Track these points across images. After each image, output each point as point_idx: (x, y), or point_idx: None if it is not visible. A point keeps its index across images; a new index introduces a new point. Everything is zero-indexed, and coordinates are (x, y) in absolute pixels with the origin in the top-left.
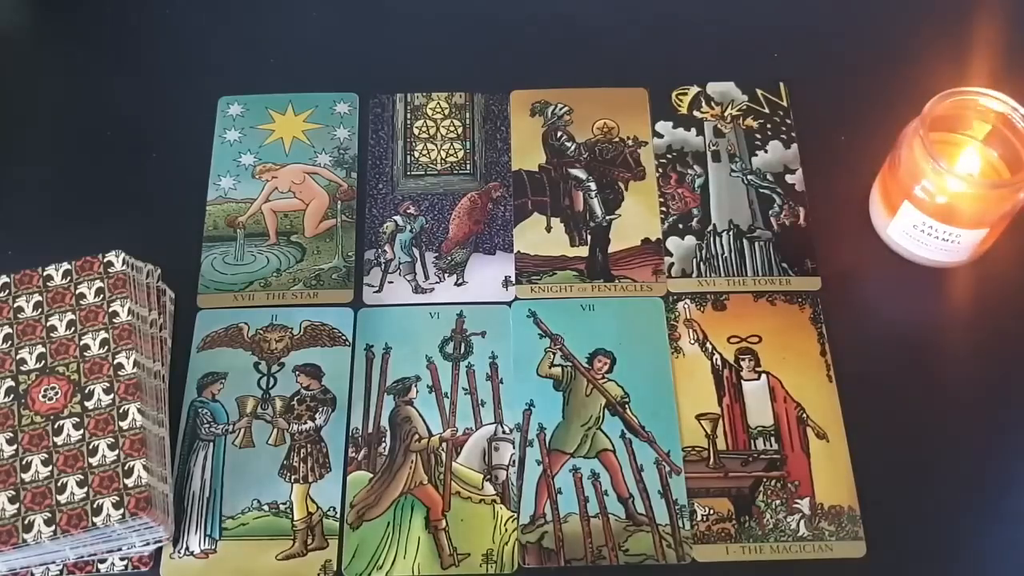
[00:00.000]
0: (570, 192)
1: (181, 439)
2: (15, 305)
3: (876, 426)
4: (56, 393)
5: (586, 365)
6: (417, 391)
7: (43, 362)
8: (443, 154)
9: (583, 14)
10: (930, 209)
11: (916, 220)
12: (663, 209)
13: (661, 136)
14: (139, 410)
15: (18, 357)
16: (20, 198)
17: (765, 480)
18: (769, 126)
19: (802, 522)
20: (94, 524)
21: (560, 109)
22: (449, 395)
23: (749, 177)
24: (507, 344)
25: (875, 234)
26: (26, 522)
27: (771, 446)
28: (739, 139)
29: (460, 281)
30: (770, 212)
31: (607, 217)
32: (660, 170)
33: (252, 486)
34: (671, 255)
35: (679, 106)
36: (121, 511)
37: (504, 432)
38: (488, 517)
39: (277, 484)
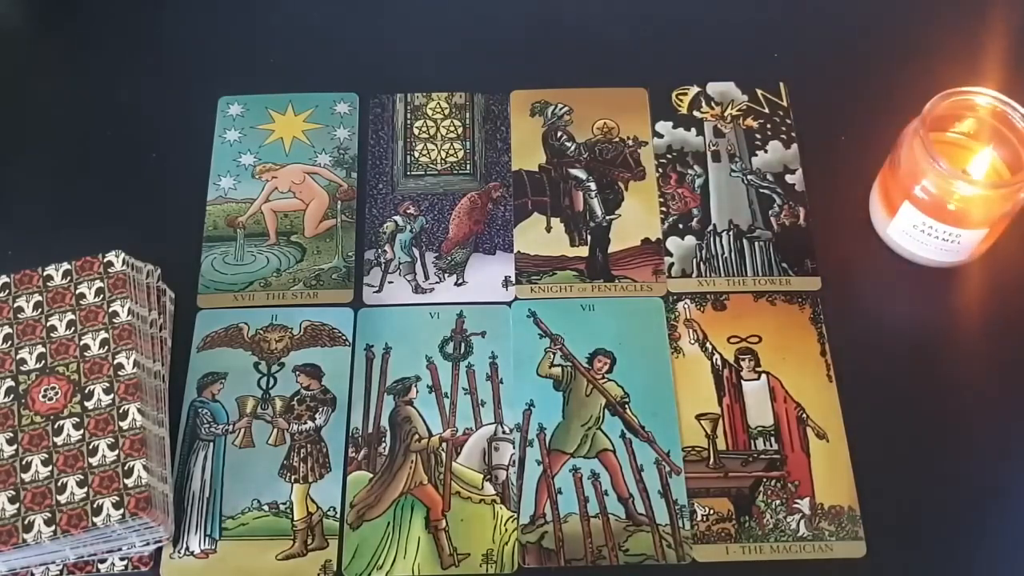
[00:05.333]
0: (570, 192)
1: (181, 439)
2: (15, 305)
3: (876, 426)
4: (56, 393)
5: (586, 365)
6: (417, 391)
7: (43, 362)
8: (443, 154)
9: (583, 14)
10: (930, 209)
11: (916, 220)
12: (663, 209)
13: (661, 136)
14: (139, 410)
15: (18, 357)
16: (20, 198)
17: (765, 480)
18: (769, 126)
19: (802, 522)
20: (94, 524)
21: (560, 109)
22: (449, 395)
23: (749, 177)
24: (507, 344)
25: (875, 234)
26: (26, 522)
27: (771, 446)
28: (739, 139)
29: (460, 281)
30: (770, 212)
31: (607, 217)
32: (660, 170)
33: (252, 486)
34: (671, 255)
35: (679, 106)
36: (121, 511)
37: (504, 432)
38: (488, 517)
39: (277, 484)
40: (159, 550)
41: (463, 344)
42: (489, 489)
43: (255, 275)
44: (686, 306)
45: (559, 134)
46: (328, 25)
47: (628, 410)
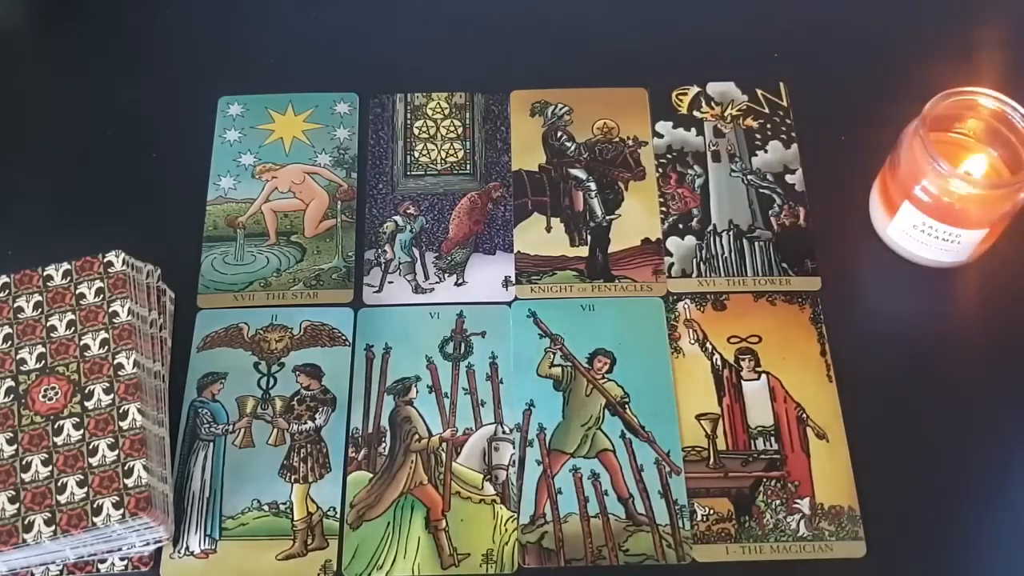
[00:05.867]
0: (570, 192)
1: (181, 439)
2: (15, 305)
3: (876, 426)
4: (56, 393)
5: (586, 365)
6: (417, 391)
7: (43, 362)
8: (443, 154)
9: (583, 14)
10: (930, 209)
11: (916, 220)
12: (663, 209)
13: (661, 136)
14: (139, 410)
15: (18, 357)
16: (20, 198)
17: (765, 480)
18: (769, 126)
19: (802, 522)
20: (94, 524)
21: (560, 109)
22: (449, 395)
23: (749, 177)
24: (507, 344)
25: (875, 234)
26: (26, 522)
27: (771, 446)
28: (739, 139)
29: (460, 281)
30: (770, 212)
31: (607, 217)
32: (660, 170)
33: (252, 486)
34: (671, 255)
35: (679, 106)
36: (121, 511)
37: (504, 432)
38: (488, 517)
39: (277, 484)
40: (159, 550)
41: (463, 344)
42: (489, 489)
43: (255, 275)
44: (686, 306)
45: (559, 134)
46: (328, 25)
47: (628, 410)
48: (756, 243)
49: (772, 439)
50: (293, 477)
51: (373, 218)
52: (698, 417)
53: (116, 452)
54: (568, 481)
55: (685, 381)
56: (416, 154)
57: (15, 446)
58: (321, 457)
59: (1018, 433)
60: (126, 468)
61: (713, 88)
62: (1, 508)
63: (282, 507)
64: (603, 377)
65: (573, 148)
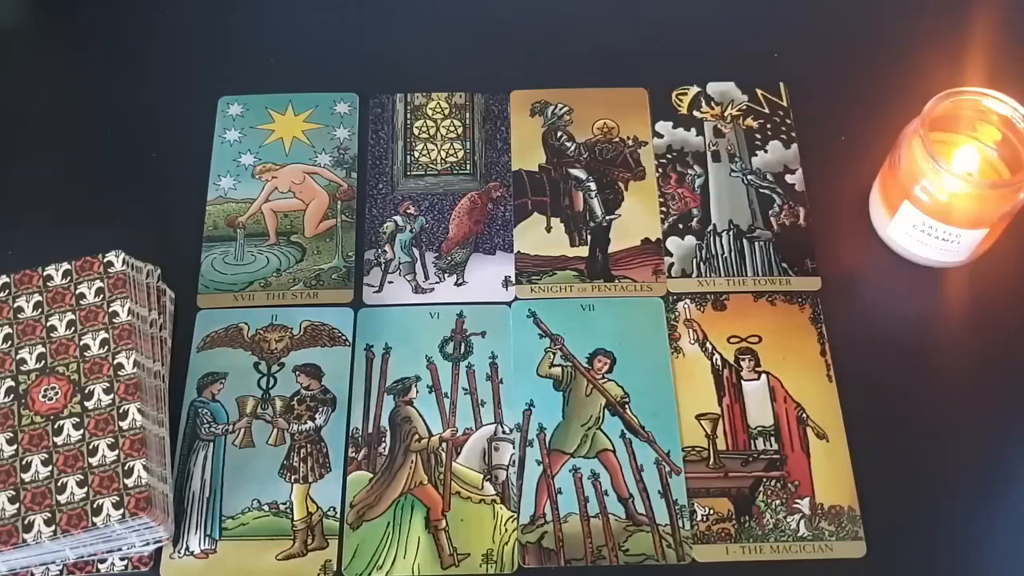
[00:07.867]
0: (570, 192)
1: (181, 439)
2: (15, 305)
3: (876, 426)
4: (56, 393)
5: (586, 365)
6: (417, 391)
7: (43, 362)
8: (443, 154)
9: (583, 14)
10: (930, 209)
11: (916, 220)
12: (663, 209)
13: (661, 136)
14: (139, 410)
15: (18, 357)
16: (20, 198)
17: (765, 480)
18: (769, 126)
19: (802, 522)
20: (94, 524)
21: (560, 109)
22: (449, 395)
23: (749, 177)
24: (507, 344)
25: (875, 234)
26: (26, 522)
27: (771, 446)
28: (739, 139)
29: (460, 281)
30: (770, 212)
31: (607, 217)
32: (660, 170)
33: (252, 486)
34: (671, 255)
35: (679, 106)
36: (121, 511)
37: (504, 432)
38: (488, 517)
39: (277, 484)
40: (159, 550)
41: (463, 344)
42: (489, 489)
43: (255, 275)
44: (686, 306)
45: (559, 134)
46: (328, 25)
47: (628, 410)
48: (756, 243)
49: (772, 439)
50: (293, 477)
51: (373, 218)
52: (698, 417)
53: (116, 452)
54: (568, 481)
55: (685, 381)
56: (416, 154)
57: (15, 446)
58: (321, 457)
59: (1018, 433)
60: (126, 468)
61: (713, 88)
62: (1, 508)
63: (282, 507)
64: (603, 377)
65: (573, 148)
